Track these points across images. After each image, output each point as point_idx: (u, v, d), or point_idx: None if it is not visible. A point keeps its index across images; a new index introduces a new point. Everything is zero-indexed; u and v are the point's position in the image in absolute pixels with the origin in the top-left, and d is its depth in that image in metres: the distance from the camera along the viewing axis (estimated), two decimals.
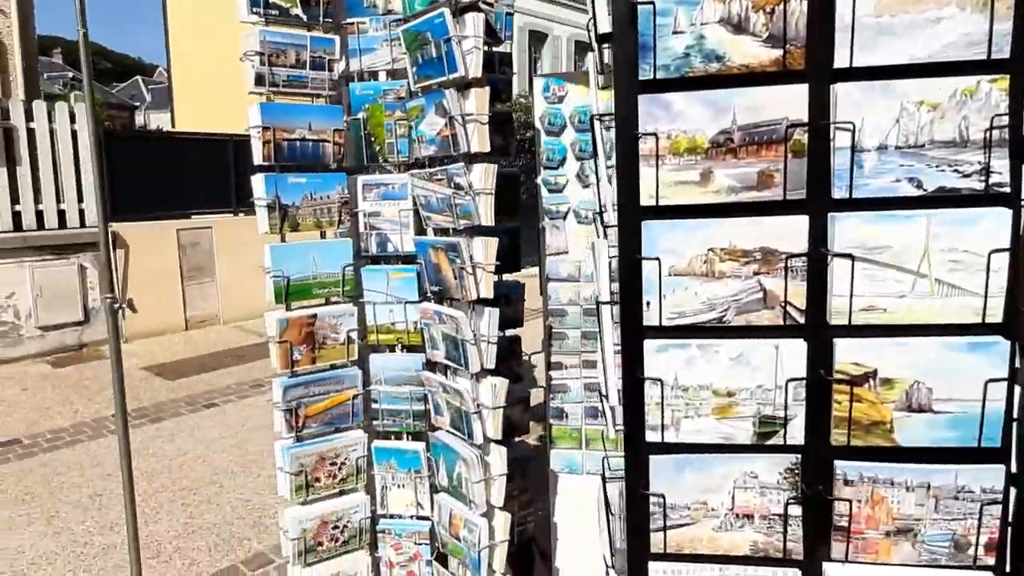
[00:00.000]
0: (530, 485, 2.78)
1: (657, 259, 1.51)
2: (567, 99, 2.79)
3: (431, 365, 2.54)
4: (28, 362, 7.43)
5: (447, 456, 2.49)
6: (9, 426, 5.95)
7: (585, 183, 2.79)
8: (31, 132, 7.71)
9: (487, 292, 2.24)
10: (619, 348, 1.62)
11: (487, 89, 2.19)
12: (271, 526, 4.08)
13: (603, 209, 1.84)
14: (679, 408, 1.55)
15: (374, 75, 2.70)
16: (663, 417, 1.55)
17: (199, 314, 8.27)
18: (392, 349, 2.71)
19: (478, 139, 2.17)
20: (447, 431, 2.50)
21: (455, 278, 2.32)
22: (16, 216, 7.60)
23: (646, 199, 1.51)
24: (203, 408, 6.31)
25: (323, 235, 2.68)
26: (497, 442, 2.38)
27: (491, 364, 2.32)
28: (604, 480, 1.93)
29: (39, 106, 7.81)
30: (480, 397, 2.33)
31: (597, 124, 1.91)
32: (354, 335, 2.66)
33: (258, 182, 2.50)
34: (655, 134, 1.48)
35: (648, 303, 1.53)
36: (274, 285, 2.53)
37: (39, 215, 7.71)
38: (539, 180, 2.82)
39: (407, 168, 2.63)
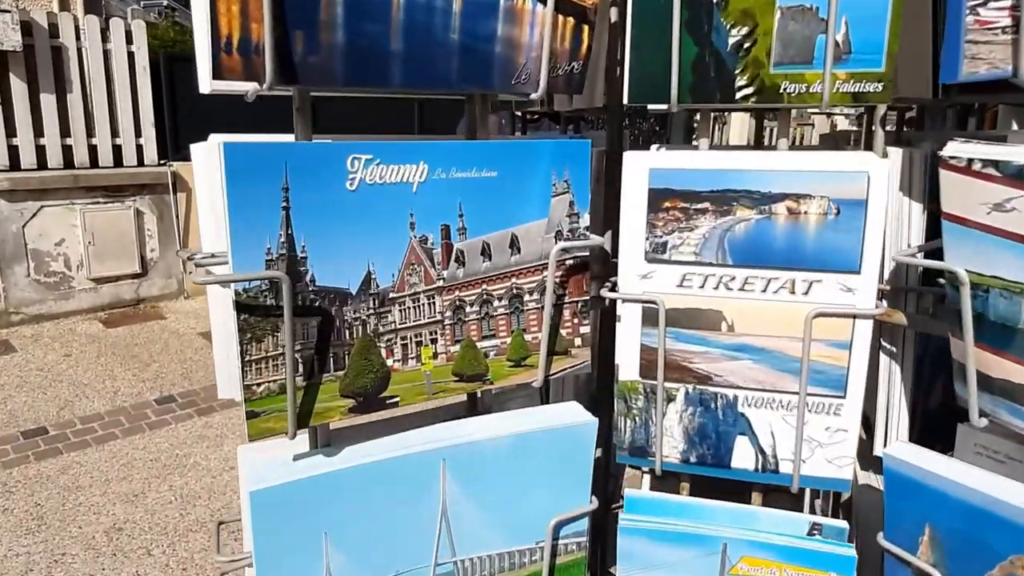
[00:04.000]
0: None
1: None
2: None
3: None
4: (80, 318, 5.62)
5: None
6: (40, 408, 4.23)
7: None
8: (82, 54, 5.61)
9: None
10: None
11: None
12: None
13: None
14: None
15: None
16: None
17: None
18: None
19: None
20: None
21: None
22: (67, 151, 5.61)
23: None
24: None
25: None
26: None
27: None
28: None
29: (91, 21, 5.65)
30: None
31: None
32: None
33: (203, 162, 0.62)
34: None
35: None
36: None
37: (92, 150, 5.70)
38: None
39: None
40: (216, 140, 0.69)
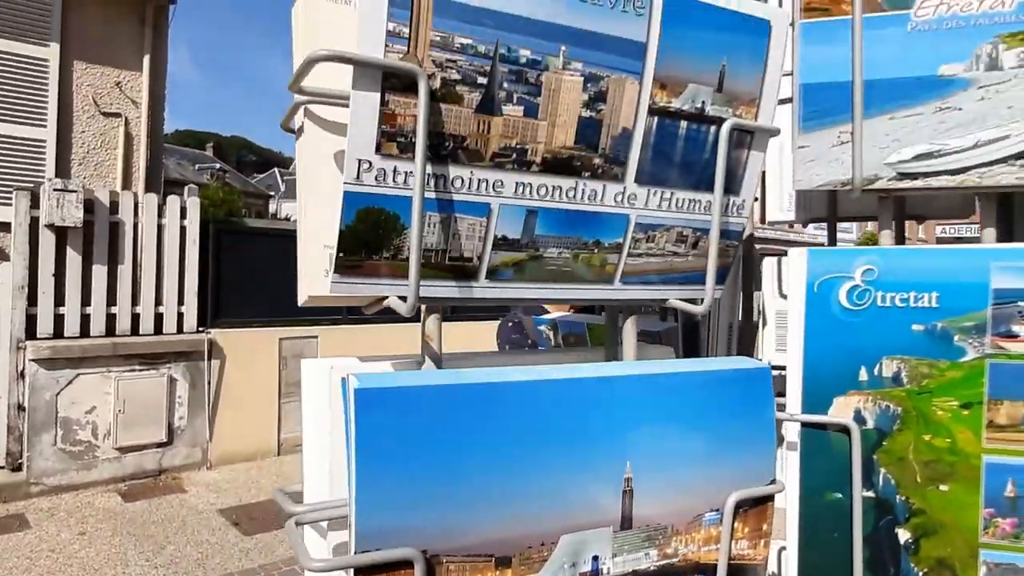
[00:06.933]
0: None
1: None
2: None
3: None
4: (99, 490, 5.35)
5: None
6: None
7: None
8: (138, 228, 5.87)
9: None
10: None
11: None
12: None
13: None
14: None
15: None
16: None
17: (295, 436, 6.06)
18: None
19: None
20: None
21: None
22: (110, 319, 5.66)
23: None
24: None
25: None
26: None
27: None
28: None
29: (149, 199, 5.95)
30: None
31: None
32: None
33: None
34: None
35: None
36: None
37: (135, 318, 5.75)
38: None
39: None
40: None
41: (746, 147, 0.81)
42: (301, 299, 0.73)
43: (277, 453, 6.04)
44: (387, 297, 0.66)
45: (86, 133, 6.21)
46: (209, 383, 5.76)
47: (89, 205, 5.68)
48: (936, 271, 0.82)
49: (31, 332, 5.38)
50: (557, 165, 0.70)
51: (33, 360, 5.26)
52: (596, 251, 0.76)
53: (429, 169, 0.63)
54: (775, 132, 0.79)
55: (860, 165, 0.87)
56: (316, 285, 0.70)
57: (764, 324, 1.26)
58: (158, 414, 5.56)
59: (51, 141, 6.00)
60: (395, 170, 0.62)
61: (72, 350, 5.40)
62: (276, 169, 48.13)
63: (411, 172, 0.62)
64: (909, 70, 0.87)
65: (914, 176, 0.87)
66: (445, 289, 0.68)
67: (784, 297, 1.32)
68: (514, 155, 0.67)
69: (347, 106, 0.64)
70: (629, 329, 0.83)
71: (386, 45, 0.59)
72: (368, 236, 0.63)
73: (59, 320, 5.48)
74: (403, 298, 0.65)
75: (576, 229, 0.73)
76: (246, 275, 6.29)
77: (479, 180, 0.66)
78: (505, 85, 0.65)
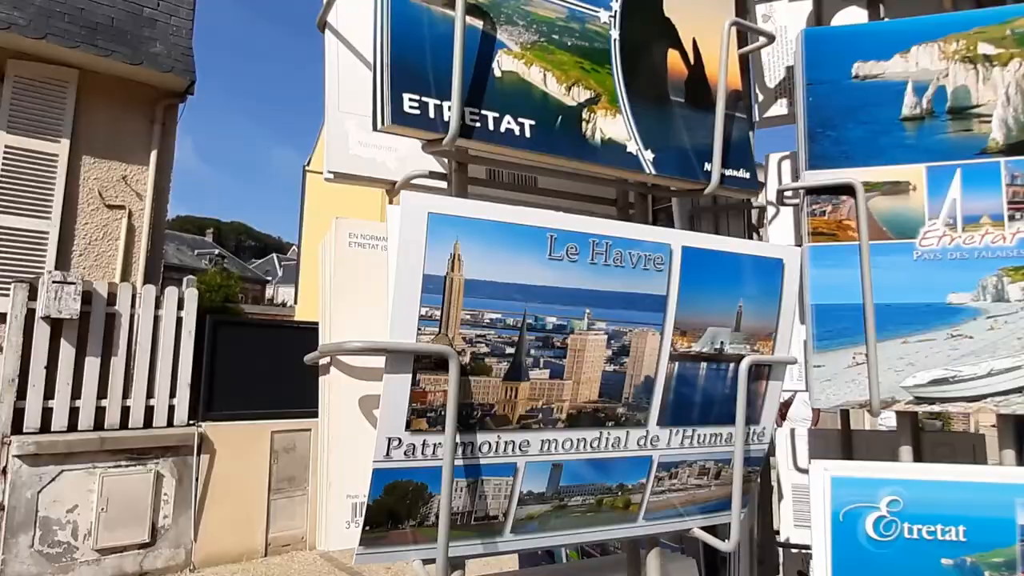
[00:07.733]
0: None
1: None
2: None
3: None
4: None
5: None
6: None
7: None
8: (134, 319, 5.83)
9: None
10: None
11: None
12: None
13: None
14: None
15: None
16: None
17: (283, 535, 5.84)
18: None
19: None
20: None
21: None
22: (99, 412, 5.54)
23: None
24: None
25: None
26: None
27: None
28: None
29: (147, 291, 5.95)
30: None
31: None
32: None
33: None
34: None
35: None
36: None
37: (124, 411, 5.63)
38: None
39: None
40: None
41: (764, 378, 0.83)
42: (319, 549, 0.72)
43: (264, 554, 5.79)
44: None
45: (89, 225, 6.28)
46: (197, 479, 5.58)
47: (87, 296, 5.65)
48: (962, 504, 0.82)
49: (17, 426, 5.25)
50: (581, 419, 0.71)
51: (17, 456, 5.11)
52: (620, 494, 0.75)
53: (457, 439, 0.64)
54: (792, 362, 0.82)
55: (877, 389, 0.89)
56: (337, 538, 0.69)
57: (780, 497, 1.24)
58: (142, 513, 5.35)
59: (54, 233, 6.06)
60: (424, 443, 0.63)
61: (57, 445, 5.25)
62: (274, 255, 48.66)
63: (440, 444, 0.63)
64: (918, 296, 0.90)
65: (931, 401, 0.89)
66: (470, 547, 0.67)
67: (800, 471, 1.30)
68: (540, 415, 0.68)
69: (373, 353, 0.64)
70: (652, 563, 0.81)
71: (418, 329, 0.60)
72: (396, 507, 0.62)
73: (47, 413, 5.36)
74: (428, 561, 0.64)
75: (600, 476, 0.73)
76: (240, 366, 6.23)
77: (506, 442, 0.67)
78: (532, 352, 0.66)
